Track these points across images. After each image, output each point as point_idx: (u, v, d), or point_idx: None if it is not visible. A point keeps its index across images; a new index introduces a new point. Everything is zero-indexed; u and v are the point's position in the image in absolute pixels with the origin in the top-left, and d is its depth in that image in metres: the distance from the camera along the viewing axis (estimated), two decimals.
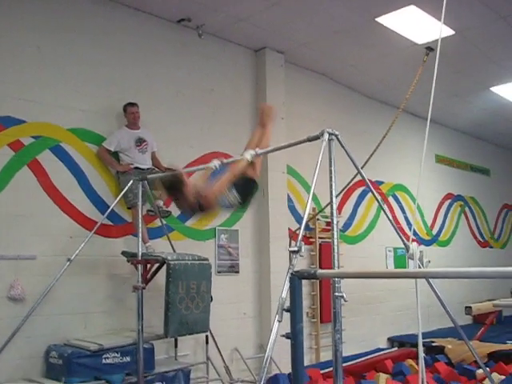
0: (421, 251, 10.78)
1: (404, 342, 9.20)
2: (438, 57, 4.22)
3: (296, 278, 2.42)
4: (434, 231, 11.73)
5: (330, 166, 3.77)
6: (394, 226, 4.33)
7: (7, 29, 5.69)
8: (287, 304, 2.70)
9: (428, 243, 11.37)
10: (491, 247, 13.71)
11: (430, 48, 7.72)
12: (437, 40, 4.26)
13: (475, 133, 13.06)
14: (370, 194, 9.83)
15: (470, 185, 13.15)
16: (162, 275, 5.73)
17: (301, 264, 8.12)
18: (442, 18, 4.23)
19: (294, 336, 2.45)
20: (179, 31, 7.15)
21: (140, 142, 6.21)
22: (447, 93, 9.74)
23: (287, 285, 2.69)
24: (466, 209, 12.95)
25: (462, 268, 2.32)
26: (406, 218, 10.70)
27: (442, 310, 4.46)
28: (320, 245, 8.46)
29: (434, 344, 8.56)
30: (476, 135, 13.25)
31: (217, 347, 6.56)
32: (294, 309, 2.46)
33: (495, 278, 2.05)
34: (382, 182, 10.25)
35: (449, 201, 12.31)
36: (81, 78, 6.15)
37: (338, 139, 3.92)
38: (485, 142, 13.76)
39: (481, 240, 13.34)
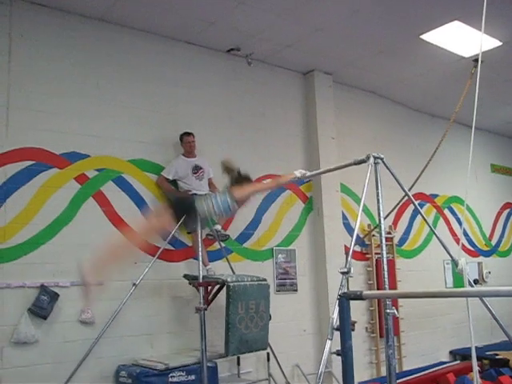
0: (479, 263, 10.75)
1: (466, 355, 9.06)
2: (479, 68, 4.35)
3: (344, 299, 2.60)
4: (493, 242, 11.58)
5: (377, 188, 3.92)
6: (441, 242, 4.40)
7: (70, 68, 6.10)
8: (337, 323, 2.87)
9: (487, 254, 11.23)
10: None
11: (477, 60, 7.77)
12: (484, 52, 4.37)
13: None
14: (425, 207, 9.87)
15: None
16: (222, 296, 5.93)
17: (358, 279, 8.25)
18: (482, 29, 4.35)
19: (344, 353, 2.63)
20: (229, 60, 7.45)
21: (197, 169, 6.48)
22: (499, 102, 9.73)
23: (337, 305, 2.87)
24: None
25: None
26: (464, 230, 10.62)
27: (507, 322, 4.45)
28: (376, 260, 8.53)
29: (497, 357, 8.46)
30: None
31: (278, 364, 6.70)
32: (343, 328, 2.64)
33: None
34: (436, 195, 10.24)
35: (507, 210, 12.12)
36: (138, 111, 6.49)
37: (383, 162, 4.06)
38: None
39: None
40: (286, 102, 8.08)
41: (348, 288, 3.63)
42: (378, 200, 3.93)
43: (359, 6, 6.42)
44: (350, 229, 8.31)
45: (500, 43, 7.45)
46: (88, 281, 4.46)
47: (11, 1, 5.79)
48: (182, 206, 5.06)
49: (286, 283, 7.55)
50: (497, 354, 8.52)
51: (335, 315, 2.97)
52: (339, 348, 2.72)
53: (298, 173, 4.84)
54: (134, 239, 5.00)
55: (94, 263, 4.64)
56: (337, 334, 2.92)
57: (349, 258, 3.47)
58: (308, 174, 4.90)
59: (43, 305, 5.46)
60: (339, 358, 2.76)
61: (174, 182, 6.50)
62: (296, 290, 7.65)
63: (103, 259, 4.71)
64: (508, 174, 12.33)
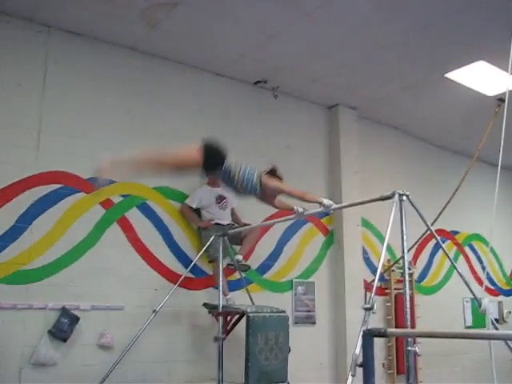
0: (500, 302, 10.62)
1: None
2: (506, 109, 4.38)
3: (368, 336, 2.62)
4: None
5: (402, 225, 3.95)
6: (464, 280, 4.39)
7: (102, 95, 6.26)
8: (360, 359, 2.88)
9: (508, 294, 11.11)
10: None
11: (501, 99, 7.80)
12: (510, 91, 4.42)
13: None
14: (446, 243, 9.81)
15: None
16: (240, 326, 5.94)
17: (376, 315, 8.19)
18: (509, 70, 4.40)
19: None
20: (256, 92, 7.56)
21: (220, 199, 6.53)
22: None
23: (360, 341, 2.88)
24: None
25: None
26: (484, 268, 10.54)
27: None
28: (395, 296, 8.48)
29: None
30: None
31: None
32: (367, 364, 2.65)
33: None
34: (457, 232, 10.20)
35: None
36: (165, 139, 6.54)
37: (408, 199, 4.10)
38: None
39: None
40: (311, 135, 8.15)
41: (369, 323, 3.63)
42: (403, 236, 3.95)
43: (386, 43, 6.51)
44: (369, 263, 8.31)
45: None
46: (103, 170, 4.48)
47: (49, 29, 5.97)
48: (214, 151, 4.94)
49: (305, 315, 7.53)
50: None
51: (358, 351, 2.98)
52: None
53: (326, 201, 4.83)
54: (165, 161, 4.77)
55: (116, 159, 4.59)
56: (358, 369, 2.93)
57: (372, 294, 3.48)
58: (334, 206, 4.91)
59: (63, 327, 5.50)
60: None
61: (197, 211, 6.56)
62: (314, 323, 7.63)
63: (127, 160, 4.64)
64: None
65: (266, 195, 5.15)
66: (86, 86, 6.17)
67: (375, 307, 3.38)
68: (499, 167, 4.31)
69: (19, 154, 5.67)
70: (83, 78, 6.16)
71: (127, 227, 6.17)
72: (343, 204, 5.17)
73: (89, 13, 5.78)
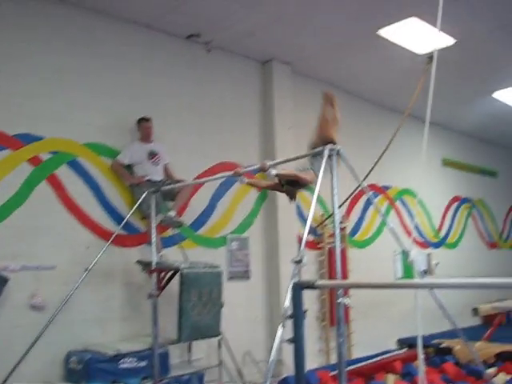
0: (428, 254, 11.04)
1: (413, 344, 9.30)
2: (434, 66, 4.45)
3: (297, 288, 2.65)
4: (442, 234, 11.90)
5: (332, 180, 3.98)
6: (393, 233, 4.49)
7: (27, 47, 5.96)
8: (290, 311, 2.92)
9: (436, 246, 11.54)
10: (500, 248, 13.86)
11: (431, 57, 7.91)
12: (438, 50, 4.49)
13: (481, 136, 13.22)
14: (378, 198, 10.04)
15: (478, 187, 13.31)
16: (174, 283, 5.96)
17: (310, 269, 8.36)
18: (438, 25, 4.46)
19: (296, 341, 2.69)
20: (189, 47, 7.41)
21: (152, 154, 6.44)
22: (451, 99, 9.96)
23: (290, 294, 2.92)
24: (474, 211, 13.10)
25: (464, 279, 2.31)
26: (413, 221, 10.86)
27: (454, 311, 4.55)
28: (329, 250, 8.62)
29: (442, 345, 8.71)
30: (482, 138, 13.40)
31: (229, 351, 6.75)
32: (296, 316, 2.69)
33: (497, 288, 2.09)
34: (389, 187, 10.45)
35: (456, 203, 12.47)
36: (95, 93, 6.40)
37: (339, 154, 4.13)
38: (492, 145, 13.91)
39: (489, 241, 13.50)
40: (245, 90, 8.09)
41: (300, 277, 3.68)
42: (333, 191, 3.99)
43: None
44: (303, 218, 8.40)
45: (454, 41, 7.61)
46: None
47: None
48: None
49: (239, 270, 7.60)
50: (441, 343, 8.76)
51: (288, 303, 3.03)
52: (290, 336, 2.78)
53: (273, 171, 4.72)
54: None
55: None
56: (288, 322, 2.97)
57: (301, 248, 3.52)
58: (274, 172, 4.74)
59: None
60: (290, 345, 2.82)
61: (129, 168, 6.45)
62: (249, 278, 7.71)
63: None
64: (458, 168, 12.66)
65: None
66: (11, 38, 5.85)
67: (305, 260, 3.42)
68: (427, 122, 4.39)
69: None
70: (9, 30, 5.85)
71: (57, 185, 6.00)
72: (277, 160, 5.17)
73: None
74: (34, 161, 5.87)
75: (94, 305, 6.06)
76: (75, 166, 6.17)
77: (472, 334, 7.51)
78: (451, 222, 12.25)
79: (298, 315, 2.70)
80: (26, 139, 5.82)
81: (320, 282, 2.75)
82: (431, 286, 3.37)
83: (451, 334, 9.31)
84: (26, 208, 5.73)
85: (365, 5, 6.66)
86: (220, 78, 7.76)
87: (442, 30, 6.72)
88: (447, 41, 7.54)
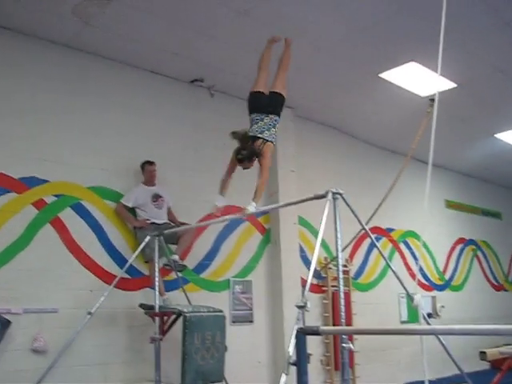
0: (433, 297, 10.87)
1: None
2: (436, 109, 4.49)
3: (301, 334, 2.64)
4: (447, 276, 11.81)
5: (336, 224, 3.99)
6: (397, 276, 4.48)
7: (31, 92, 6.07)
8: (294, 358, 2.90)
9: (441, 288, 11.44)
10: (506, 290, 13.72)
11: (433, 100, 7.99)
12: (440, 92, 4.56)
13: (484, 177, 13.24)
14: (381, 241, 10.02)
15: (482, 228, 13.24)
16: (177, 327, 5.91)
17: (314, 312, 8.28)
18: (439, 71, 4.53)
19: None
20: (192, 91, 7.51)
21: (156, 197, 6.47)
22: (454, 140, 10.02)
23: (293, 340, 2.89)
24: (479, 253, 13.02)
25: (468, 325, 2.26)
26: (417, 264, 10.80)
27: (460, 355, 4.52)
28: (332, 293, 8.56)
29: None
30: (485, 179, 13.41)
31: None
32: (300, 363, 2.67)
33: (504, 335, 2.03)
34: (392, 229, 10.42)
35: (461, 245, 12.40)
36: (99, 137, 6.48)
37: (342, 197, 4.14)
38: (495, 186, 13.91)
39: (495, 283, 13.37)
40: None
41: (304, 321, 3.65)
42: (337, 234, 3.99)
43: (322, 45, 6.62)
44: (307, 261, 8.34)
45: (454, 85, 7.71)
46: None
47: None
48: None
49: (242, 314, 7.53)
50: None
51: (291, 350, 3.00)
52: (295, 382, 2.75)
53: (251, 208, 4.94)
54: None
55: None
56: (292, 367, 2.94)
57: (305, 292, 3.50)
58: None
59: None
60: None
61: (133, 211, 6.47)
62: (252, 322, 7.64)
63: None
64: (461, 210, 12.64)
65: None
66: (13, 85, 5.97)
67: (309, 305, 3.40)
68: (430, 165, 4.41)
69: None
70: (11, 75, 5.96)
71: (61, 228, 6.02)
72: (278, 204, 5.18)
73: (22, 8, 5.60)
74: (39, 204, 5.91)
75: (96, 349, 5.99)
76: (79, 209, 6.20)
77: (480, 379, 7.35)
78: (456, 264, 12.16)
79: (301, 362, 2.68)
80: (31, 183, 5.88)
81: (324, 328, 2.73)
82: (435, 333, 3.35)
83: (459, 379, 9.20)
84: (29, 250, 5.74)
85: (366, 50, 6.78)
86: (223, 121, 7.82)
87: (442, 74, 6.83)
88: (447, 85, 7.64)
